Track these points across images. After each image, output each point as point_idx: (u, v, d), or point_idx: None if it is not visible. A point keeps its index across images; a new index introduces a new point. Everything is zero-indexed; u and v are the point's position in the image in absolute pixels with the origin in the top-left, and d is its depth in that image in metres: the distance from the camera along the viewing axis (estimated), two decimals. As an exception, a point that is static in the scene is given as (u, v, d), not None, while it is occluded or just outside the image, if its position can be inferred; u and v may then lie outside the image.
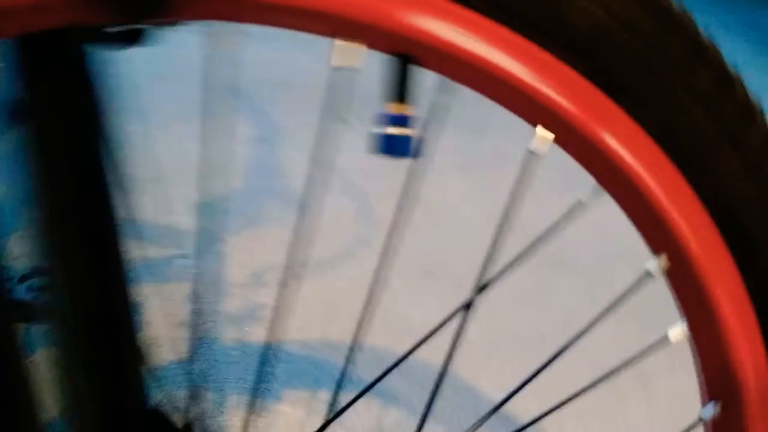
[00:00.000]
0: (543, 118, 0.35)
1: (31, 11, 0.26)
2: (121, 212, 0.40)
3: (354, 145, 2.31)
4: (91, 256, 0.38)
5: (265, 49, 3.21)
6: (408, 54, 0.37)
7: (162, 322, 1.42)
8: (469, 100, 2.28)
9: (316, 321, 1.48)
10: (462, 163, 2.25)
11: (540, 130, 0.36)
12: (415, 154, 0.39)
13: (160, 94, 2.55)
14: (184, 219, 1.79)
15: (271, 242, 1.72)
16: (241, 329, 1.43)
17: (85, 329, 0.37)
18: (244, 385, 1.28)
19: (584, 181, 0.45)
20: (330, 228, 1.82)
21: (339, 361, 1.38)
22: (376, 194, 2.01)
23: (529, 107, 0.35)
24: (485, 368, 1.40)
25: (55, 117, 0.37)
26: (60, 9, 0.28)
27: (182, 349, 1.36)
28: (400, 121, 0.38)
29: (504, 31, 0.33)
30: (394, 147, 0.38)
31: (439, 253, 1.77)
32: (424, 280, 1.66)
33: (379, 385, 1.31)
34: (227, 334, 1.41)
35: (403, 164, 2.20)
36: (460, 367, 1.40)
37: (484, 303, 1.59)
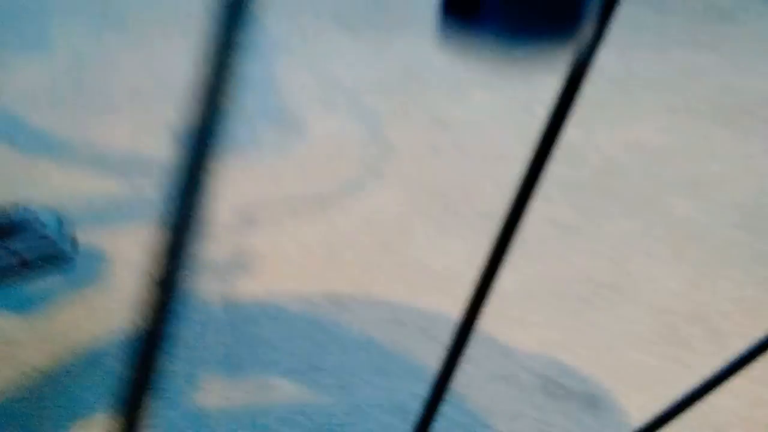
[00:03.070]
0: None
1: None
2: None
3: (361, 56, 1.99)
4: None
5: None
6: None
7: (130, 273, 1.18)
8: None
9: (317, 269, 1.22)
10: (486, 75, 1.92)
11: None
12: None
13: (143, 6, 2.22)
14: (162, 147, 1.51)
15: (262, 173, 1.45)
16: (226, 281, 1.18)
17: None
18: (228, 356, 1.05)
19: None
20: (333, 155, 1.53)
21: (344, 319, 1.13)
22: (388, 114, 1.71)
23: None
24: (522, 324, 1.15)
25: None
26: None
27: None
28: None
29: None
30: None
31: (463, 182, 1.49)
32: (445, 215, 1.39)
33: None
34: (211, 288, 1.16)
35: (423, 77, 1.88)
36: (492, 325, 1.15)
37: (518, 244, 1.32)
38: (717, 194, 1.53)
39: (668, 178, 1.57)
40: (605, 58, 2.11)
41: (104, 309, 1.12)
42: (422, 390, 1.01)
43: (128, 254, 1.23)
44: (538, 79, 1.90)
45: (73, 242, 1.22)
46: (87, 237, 1.25)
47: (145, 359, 0.19)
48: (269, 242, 1.27)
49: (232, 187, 1.40)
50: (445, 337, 1.12)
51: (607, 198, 1.48)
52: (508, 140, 1.64)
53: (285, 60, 1.93)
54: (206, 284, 1.17)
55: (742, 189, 1.55)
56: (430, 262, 1.26)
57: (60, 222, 1.22)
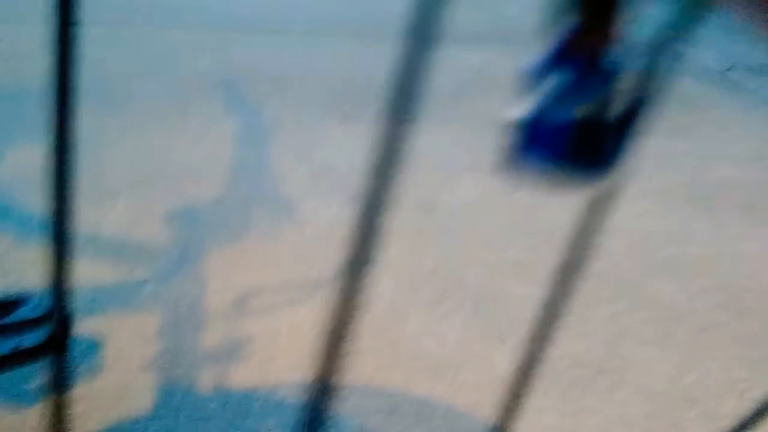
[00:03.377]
0: None
1: None
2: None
3: (353, 143, 2.07)
4: None
5: (257, 43, 2.96)
6: None
7: (124, 362, 1.18)
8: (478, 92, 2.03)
9: (311, 355, 1.23)
10: (473, 161, 2.01)
11: None
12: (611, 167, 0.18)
13: (137, 91, 2.30)
14: (158, 234, 1.54)
15: (256, 259, 1.48)
16: (221, 370, 1.18)
17: None
18: (225, 444, 1.04)
19: None
20: (326, 239, 1.57)
21: (339, 408, 1.13)
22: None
23: None
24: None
25: None
26: None
27: (149, 399, 1.11)
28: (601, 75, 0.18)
29: None
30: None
31: (453, 266, 1.53)
32: (437, 299, 1.41)
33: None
34: (204, 379, 1.16)
35: (412, 163, 1.95)
36: (486, 411, 1.15)
37: (508, 325, 1.35)
38: (698, 277, 1.58)
39: (650, 261, 1.62)
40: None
41: (97, 398, 1.10)
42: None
43: (122, 342, 1.22)
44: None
45: (69, 327, 1.22)
46: (81, 323, 1.25)
47: None
48: (263, 328, 1.28)
49: (226, 273, 1.42)
50: (440, 424, 1.12)
51: (594, 281, 1.52)
52: (494, 225, 1.70)
53: (278, 146, 2.00)
54: (200, 372, 1.17)
55: (720, 271, 1.61)
56: (424, 347, 1.28)
57: (53, 307, 1.22)
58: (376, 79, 2.65)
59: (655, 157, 2.19)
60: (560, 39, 0.14)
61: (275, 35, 3.07)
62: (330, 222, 1.64)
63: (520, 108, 0.15)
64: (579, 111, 0.15)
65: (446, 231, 1.65)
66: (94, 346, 1.22)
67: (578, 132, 0.15)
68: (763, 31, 2.88)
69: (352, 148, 2.03)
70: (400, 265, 1.51)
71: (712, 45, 3.55)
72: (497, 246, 1.61)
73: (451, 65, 2.86)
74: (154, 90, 2.32)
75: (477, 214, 1.74)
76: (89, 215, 1.58)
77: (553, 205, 1.82)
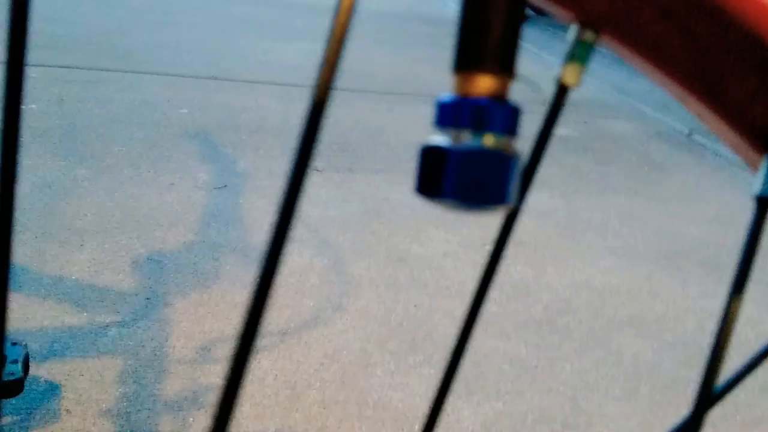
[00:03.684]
0: None
1: None
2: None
3: (326, 194, 2.09)
4: None
5: (235, 93, 3.01)
6: None
7: (86, 407, 1.14)
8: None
9: (277, 407, 1.21)
10: (444, 214, 2.03)
11: None
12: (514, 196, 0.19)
13: (114, 136, 2.31)
14: (125, 278, 1.52)
15: (224, 306, 1.46)
16: (181, 419, 1.15)
17: None
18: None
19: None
20: (297, 289, 1.56)
21: (304, 459, 1.11)
22: (350, 250, 1.77)
23: None
24: (483, 466, 1.14)
25: None
26: None
27: (104, 448, 1.08)
28: (500, 117, 0.18)
29: None
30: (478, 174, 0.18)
31: (422, 317, 1.53)
32: (405, 350, 1.41)
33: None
34: (164, 427, 1.13)
35: (384, 215, 1.97)
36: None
37: (476, 378, 1.35)
38: (662, 333, 1.60)
39: (616, 317, 1.64)
40: (552, 204, 2.26)
41: (51, 448, 1.06)
42: None
43: (82, 387, 1.19)
44: (488, 222, 2.01)
45: (24, 372, 1.18)
46: (39, 368, 1.22)
47: None
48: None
49: (192, 320, 1.40)
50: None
51: (560, 335, 1.53)
52: (462, 276, 1.71)
53: (251, 195, 2.01)
54: (160, 420, 1.14)
55: (684, 328, 1.64)
56: (390, 399, 1.26)
57: (13, 351, 1.19)
58: (350, 131, 2.70)
59: (620, 215, 2.24)
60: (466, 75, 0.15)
61: (253, 85, 3.12)
62: (300, 271, 1.64)
63: (434, 138, 0.16)
64: (485, 142, 0.16)
65: (416, 282, 1.66)
66: (52, 390, 1.18)
67: (483, 162, 0.16)
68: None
69: (324, 199, 2.05)
70: (369, 315, 1.50)
71: (676, 109, 3.70)
72: (466, 298, 1.62)
73: (423, 120, 2.93)
74: (130, 135, 2.33)
75: (447, 266, 1.76)
76: (55, 258, 1.55)
77: (522, 259, 1.84)
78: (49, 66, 2.96)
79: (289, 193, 0.17)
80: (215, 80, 3.13)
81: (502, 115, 0.18)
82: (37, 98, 2.56)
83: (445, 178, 0.18)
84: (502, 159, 0.18)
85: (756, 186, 0.24)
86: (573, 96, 3.76)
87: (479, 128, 0.18)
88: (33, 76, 2.79)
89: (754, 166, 0.26)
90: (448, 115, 0.19)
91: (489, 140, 0.18)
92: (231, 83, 3.11)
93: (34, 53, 3.10)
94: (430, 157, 0.19)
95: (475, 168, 0.18)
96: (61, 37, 3.46)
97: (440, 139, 0.19)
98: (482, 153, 0.18)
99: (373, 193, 2.13)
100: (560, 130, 3.08)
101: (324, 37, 4.38)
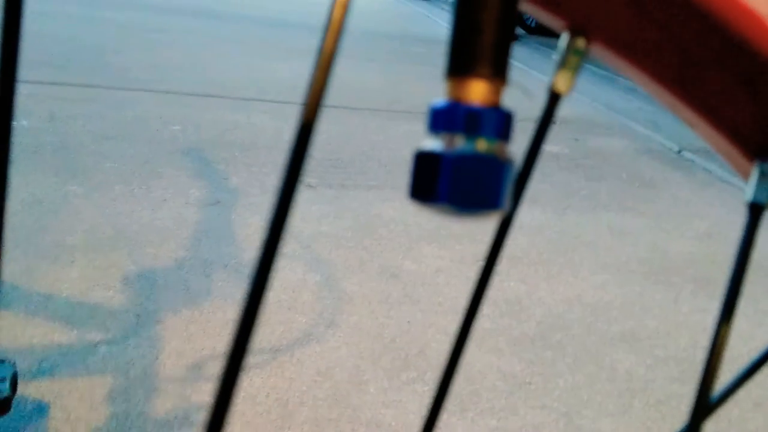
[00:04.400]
0: None
1: None
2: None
3: (318, 210, 2.09)
4: None
5: (227, 110, 3.02)
6: None
7: (74, 426, 1.13)
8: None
9: (269, 427, 1.19)
10: (436, 230, 2.04)
11: None
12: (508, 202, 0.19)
13: (106, 153, 2.30)
14: (115, 295, 1.51)
15: (216, 323, 1.45)
16: (172, 437, 1.14)
17: None
18: None
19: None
20: (289, 305, 1.56)
21: (296, 478, 1.09)
22: (343, 266, 1.77)
23: None
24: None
25: None
26: None
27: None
28: (493, 122, 0.19)
29: None
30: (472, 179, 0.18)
31: (415, 334, 1.52)
32: (398, 367, 1.40)
33: None
34: (154, 446, 1.11)
35: (376, 231, 1.97)
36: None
37: (469, 395, 1.34)
38: (655, 349, 1.60)
39: (609, 333, 1.64)
40: (544, 220, 2.27)
41: (38, 468, 1.05)
42: None
43: (71, 405, 1.17)
44: (481, 238, 2.02)
45: (12, 390, 1.17)
46: (28, 387, 1.20)
47: None
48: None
49: (183, 338, 1.39)
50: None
51: (554, 351, 1.53)
52: (455, 293, 1.71)
53: (243, 211, 2.00)
54: (151, 440, 1.13)
55: (677, 344, 1.64)
56: (384, 416, 1.25)
57: (1, 369, 1.17)
58: (342, 148, 2.71)
59: (612, 231, 2.25)
60: (460, 80, 0.15)
61: (245, 102, 3.13)
62: (293, 287, 1.63)
63: (427, 143, 0.16)
64: (478, 146, 0.16)
65: (409, 299, 1.66)
66: (41, 410, 1.17)
67: (476, 167, 0.16)
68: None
69: (317, 215, 2.05)
70: (362, 332, 1.49)
71: (665, 127, 3.74)
72: (459, 314, 1.62)
73: (415, 137, 2.94)
74: (122, 152, 2.32)
75: (440, 282, 1.75)
76: (45, 275, 1.54)
77: (515, 275, 1.85)
78: (41, 83, 2.96)
79: (278, 212, 0.17)
80: (208, 97, 3.14)
81: (495, 120, 0.18)
82: (29, 115, 2.55)
83: (438, 182, 0.18)
84: (496, 163, 0.18)
85: (748, 193, 0.24)
86: (563, 113, 3.79)
87: (472, 133, 0.18)
88: (25, 93, 2.78)
89: (744, 174, 0.26)
90: (441, 119, 0.19)
91: (482, 145, 0.18)
92: (224, 100, 3.12)
93: (26, 70, 3.10)
94: (423, 161, 0.19)
95: (468, 172, 0.18)
96: (53, 54, 3.46)
97: (434, 143, 0.19)
98: (475, 157, 0.18)
99: (366, 210, 2.13)
100: (551, 147, 3.10)
101: (314, 56, 4.41)
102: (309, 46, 4.81)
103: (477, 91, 0.18)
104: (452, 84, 0.19)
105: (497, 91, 0.19)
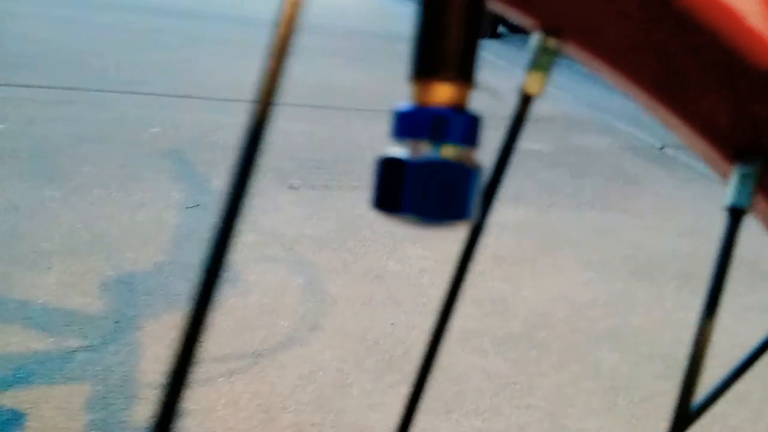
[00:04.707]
0: None
1: None
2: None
3: (301, 211, 2.07)
4: None
5: (206, 111, 2.98)
6: None
7: (50, 437, 1.10)
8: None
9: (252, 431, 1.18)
10: (419, 230, 2.02)
11: None
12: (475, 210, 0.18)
13: (84, 156, 2.27)
14: (93, 301, 1.48)
15: (198, 329, 1.43)
16: (152, 446, 1.12)
17: None
18: None
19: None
20: (271, 308, 1.54)
21: (279, 485, 1.07)
22: (326, 268, 1.75)
23: None
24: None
25: None
26: None
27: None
28: (460, 127, 0.18)
29: None
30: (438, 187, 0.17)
31: (399, 335, 1.51)
32: (383, 369, 1.39)
33: None
34: (133, 455, 1.09)
35: (360, 232, 1.96)
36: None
37: (454, 396, 1.33)
38: (640, 346, 1.60)
39: (593, 331, 1.64)
40: (528, 219, 2.27)
41: (13, 481, 1.02)
42: None
43: (48, 414, 1.15)
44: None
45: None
46: (3, 396, 1.17)
47: None
48: (198, 401, 1.23)
49: (164, 344, 1.37)
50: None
51: (538, 350, 1.52)
52: (440, 293, 1.70)
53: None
54: (131, 449, 1.10)
55: (662, 341, 1.64)
56: (368, 419, 1.24)
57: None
58: (326, 148, 2.69)
59: (595, 229, 2.25)
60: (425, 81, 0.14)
61: (226, 103, 3.10)
62: (276, 290, 1.61)
63: (391, 150, 0.15)
64: (444, 153, 0.15)
65: (393, 300, 1.64)
66: (17, 419, 1.14)
67: (442, 175, 0.15)
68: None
69: (300, 217, 2.03)
70: (345, 334, 1.48)
71: (648, 124, 3.76)
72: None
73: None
74: (101, 155, 2.29)
75: (424, 283, 1.74)
76: (21, 281, 1.51)
77: (499, 274, 1.84)
78: (18, 86, 2.91)
79: (228, 213, 0.16)
80: (189, 98, 3.10)
81: (461, 124, 0.17)
82: (5, 118, 2.51)
83: (402, 191, 0.17)
84: (462, 171, 0.17)
85: (728, 196, 0.23)
86: (546, 111, 3.81)
87: (438, 138, 0.17)
88: (1, 96, 2.74)
89: (725, 176, 0.25)
90: (405, 125, 0.18)
91: (448, 151, 0.17)
92: (204, 101, 3.09)
93: (3, 72, 3.05)
94: (387, 169, 0.17)
95: (433, 181, 0.17)
96: (31, 56, 3.41)
97: (398, 150, 0.18)
98: (441, 165, 0.17)
99: (350, 211, 2.11)
100: (534, 145, 3.10)
101: (298, 55, 4.39)
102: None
103: (443, 95, 0.17)
104: (417, 87, 0.18)
105: (464, 94, 0.18)
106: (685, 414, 0.23)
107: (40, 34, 3.99)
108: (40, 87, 2.96)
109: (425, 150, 0.17)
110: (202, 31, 4.94)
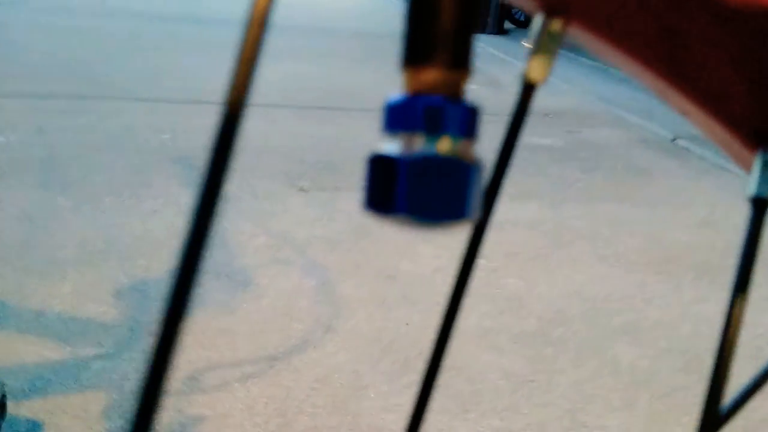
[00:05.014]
0: None
1: None
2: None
3: (312, 214, 2.06)
4: None
5: (215, 116, 2.99)
6: None
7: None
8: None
9: (268, 435, 1.17)
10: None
11: None
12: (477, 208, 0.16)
13: (95, 165, 2.28)
14: (108, 309, 1.48)
15: (210, 334, 1.43)
16: (169, 453, 1.11)
17: None
18: None
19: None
20: (284, 312, 1.53)
21: (297, 489, 1.07)
22: (339, 270, 1.75)
23: None
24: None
25: None
26: None
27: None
28: (456, 117, 0.16)
29: None
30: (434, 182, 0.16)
31: (413, 336, 1.50)
32: (397, 370, 1.38)
33: None
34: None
35: (371, 233, 1.95)
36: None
37: (471, 395, 1.32)
38: (658, 340, 1.58)
39: (610, 325, 1.62)
40: (540, 215, 2.25)
41: (32, 491, 1.02)
42: None
43: (65, 423, 1.15)
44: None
45: (2, 409, 1.14)
46: (20, 407, 1.17)
47: None
48: (215, 406, 1.22)
49: (179, 350, 1.37)
50: (404, 503, 1.07)
51: (555, 347, 1.51)
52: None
53: (236, 217, 1.98)
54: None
55: (680, 334, 1.62)
56: (384, 421, 1.23)
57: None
58: (335, 150, 2.68)
59: (609, 222, 2.23)
60: (418, 72, 0.13)
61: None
62: (288, 294, 1.61)
63: (384, 145, 0.14)
64: (440, 147, 0.14)
65: (406, 300, 1.63)
66: (34, 429, 1.14)
67: (438, 172, 0.14)
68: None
69: (311, 219, 2.02)
70: (360, 335, 1.47)
71: (659, 115, 3.72)
72: (459, 314, 1.60)
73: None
74: (112, 163, 2.30)
75: (437, 282, 1.73)
76: (35, 291, 1.51)
77: (514, 271, 1.82)
78: (28, 96, 2.93)
79: (199, 219, 0.15)
80: (197, 104, 3.11)
81: (458, 114, 0.16)
82: (16, 129, 2.53)
83: (395, 191, 0.16)
84: (460, 167, 0.16)
85: (751, 186, 0.22)
86: (555, 105, 3.78)
87: (433, 131, 0.16)
88: (11, 107, 2.76)
89: (745, 165, 0.23)
90: (397, 117, 0.16)
91: (444, 145, 0.16)
92: (212, 106, 3.10)
93: (12, 83, 3.07)
94: (378, 167, 0.16)
95: (429, 178, 0.16)
96: (40, 67, 3.44)
97: (390, 146, 0.16)
98: (437, 160, 0.16)
99: (360, 211, 2.10)
100: (544, 140, 3.08)
101: (305, 58, 4.39)
102: (296, 48, 4.79)
103: (436, 82, 0.16)
104: (409, 76, 0.16)
105: (459, 81, 0.16)
106: (714, 417, 0.22)
107: (46, 44, 4.02)
108: (48, 97, 2.98)
109: (419, 144, 0.16)
110: (207, 35, 4.96)
